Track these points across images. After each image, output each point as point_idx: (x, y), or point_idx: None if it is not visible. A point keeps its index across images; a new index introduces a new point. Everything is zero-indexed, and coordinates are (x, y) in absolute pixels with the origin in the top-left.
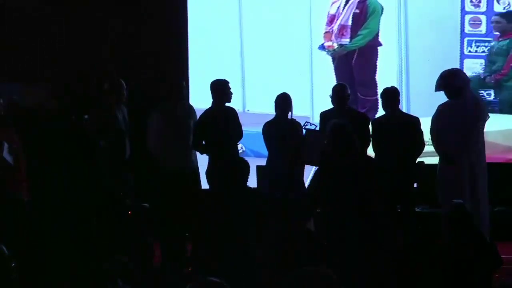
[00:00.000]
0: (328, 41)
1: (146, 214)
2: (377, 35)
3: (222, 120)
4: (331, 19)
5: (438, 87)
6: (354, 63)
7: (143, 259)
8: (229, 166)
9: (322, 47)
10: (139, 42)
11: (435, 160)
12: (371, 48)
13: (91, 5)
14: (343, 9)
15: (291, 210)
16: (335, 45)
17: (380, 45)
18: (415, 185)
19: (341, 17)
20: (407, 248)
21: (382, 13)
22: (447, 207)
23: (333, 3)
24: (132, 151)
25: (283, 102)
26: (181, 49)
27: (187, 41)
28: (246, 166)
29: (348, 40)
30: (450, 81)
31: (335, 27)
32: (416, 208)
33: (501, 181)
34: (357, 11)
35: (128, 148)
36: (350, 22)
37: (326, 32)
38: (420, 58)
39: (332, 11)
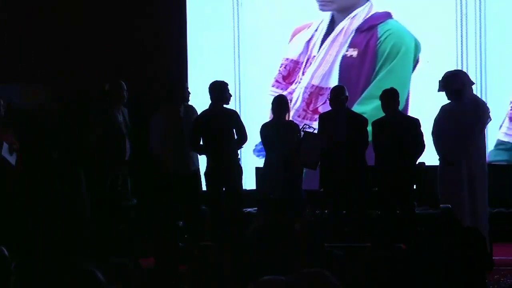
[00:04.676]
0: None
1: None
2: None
3: (221, 122)
4: (289, 71)
5: (440, 88)
6: None
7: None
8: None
9: (260, 151)
10: (138, 42)
11: (436, 161)
12: None
13: (91, 5)
14: (321, 48)
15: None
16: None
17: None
18: (415, 186)
19: (313, 67)
20: (407, 249)
21: (417, 54)
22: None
23: (295, 34)
24: (133, 152)
25: (280, 104)
26: (181, 50)
27: (186, 41)
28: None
29: None
30: (450, 82)
31: (298, 91)
32: (416, 210)
33: (502, 182)
34: (353, 52)
35: (129, 149)
36: (334, 80)
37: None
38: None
39: (294, 52)
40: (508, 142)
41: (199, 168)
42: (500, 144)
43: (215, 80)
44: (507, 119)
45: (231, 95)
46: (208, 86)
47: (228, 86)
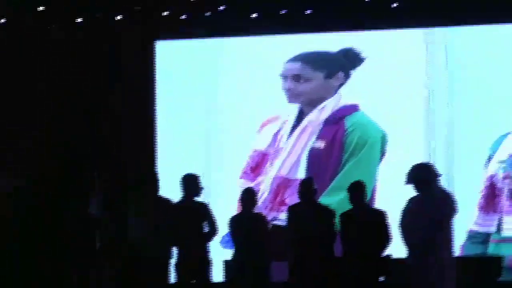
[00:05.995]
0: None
1: None
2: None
3: (192, 214)
4: (257, 163)
5: (407, 180)
6: None
7: None
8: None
9: (227, 242)
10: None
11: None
12: None
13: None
14: (289, 139)
15: None
16: None
17: None
18: (382, 278)
19: (281, 158)
20: None
21: (384, 146)
22: None
23: (263, 126)
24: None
25: (248, 196)
26: (150, 136)
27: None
28: None
29: None
30: (416, 174)
31: (266, 182)
32: None
33: (474, 275)
34: (320, 143)
35: (100, 239)
36: (301, 171)
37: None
38: None
39: (262, 144)
40: (481, 234)
41: (169, 258)
42: (473, 236)
43: (187, 173)
44: (477, 210)
45: (202, 188)
46: (180, 179)
47: (200, 179)
